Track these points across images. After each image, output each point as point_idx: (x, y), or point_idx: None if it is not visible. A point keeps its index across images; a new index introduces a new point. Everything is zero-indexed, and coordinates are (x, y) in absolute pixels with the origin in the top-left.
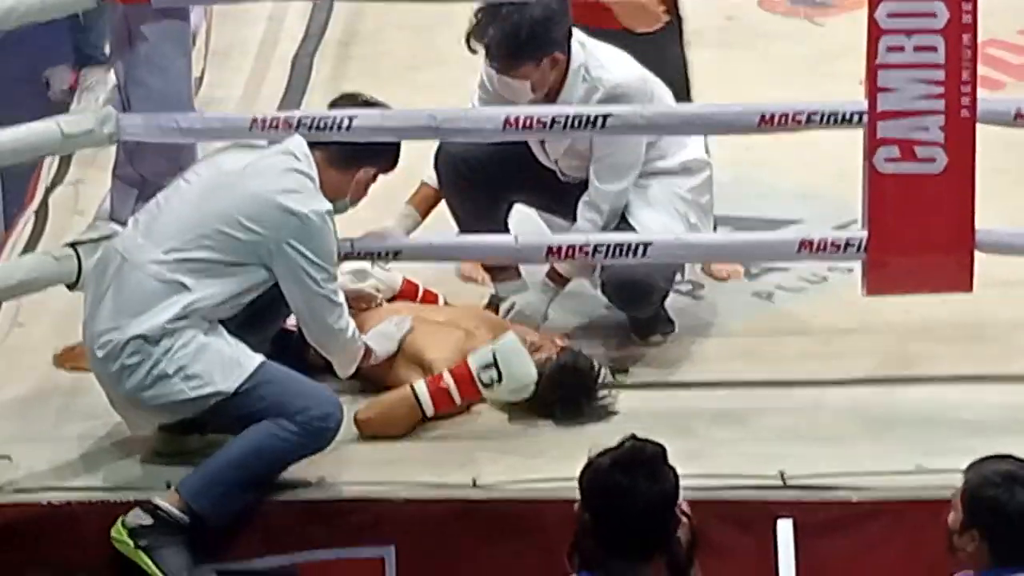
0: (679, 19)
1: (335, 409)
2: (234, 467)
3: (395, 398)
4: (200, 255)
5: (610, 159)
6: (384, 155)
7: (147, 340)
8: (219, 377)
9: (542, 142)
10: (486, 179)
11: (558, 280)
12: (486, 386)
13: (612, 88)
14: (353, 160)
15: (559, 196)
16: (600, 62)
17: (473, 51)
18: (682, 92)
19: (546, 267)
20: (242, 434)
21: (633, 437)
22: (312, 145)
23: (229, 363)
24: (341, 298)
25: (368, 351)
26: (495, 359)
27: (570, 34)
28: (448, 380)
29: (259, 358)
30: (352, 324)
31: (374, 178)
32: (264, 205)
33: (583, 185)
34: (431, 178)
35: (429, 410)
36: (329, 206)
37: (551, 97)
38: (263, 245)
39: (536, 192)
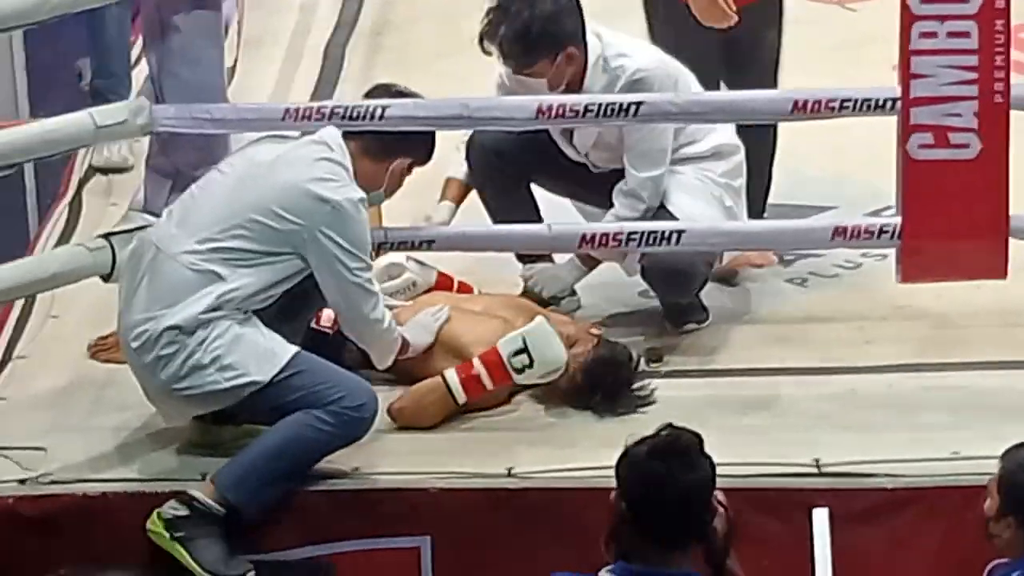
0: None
1: (369, 399)
2: (269, 458)
3: (427, 387)
4: (234, 244)
5: (642, 146)
6: (419, 146)
7: (182, 331)
8: (254, 367)
9: (570, 138)
10: (518, 170)
11: (588, 262)
12: (518, 371)
13: (633, 74)
14: (387, 151)
15: (590, 186)
16: (619, 51)
17: (487, 52)
18: (768, 74)
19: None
20: (276, 425)
21: (670, 426)
22: (347, 136)
23: (264, 354)
24: (376, 287)
25: (405, 343)
26: (525, 344)
27: (584, 27)
28: (479, 367)
29: (294, 349)
30: (388, 314)
31: (409, 170)
32: (297, 194)
33: (613, 174)
34: (457, 172)
35: (461, 398)
36: (362, 194)
37: (573, 91)
38: (297, 234)
39: (568, 182)
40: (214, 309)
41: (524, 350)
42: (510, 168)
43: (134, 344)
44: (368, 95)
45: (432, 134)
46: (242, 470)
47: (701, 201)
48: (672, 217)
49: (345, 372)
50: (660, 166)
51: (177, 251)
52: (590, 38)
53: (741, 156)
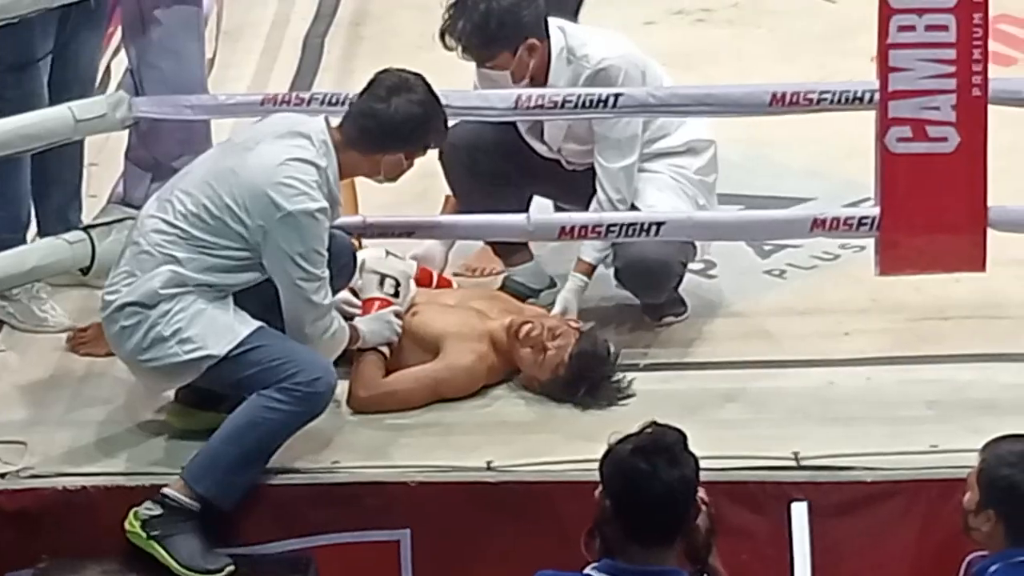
0: None
1: (324, 374)
2: (231, 444)
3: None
4: (196, 232)
5: (612, 135)
6: (405, 140)
7: (141, 305)
8: (211, 342)
9: (540, 134)
10: (491, 170)
11: (587, 271)
12: (394, 296)
13: (597, 64)
14: (377, 144)
15: (565, 184)
16: (582, 42)
17: (449, 48)
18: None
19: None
20: (235, 411)
21: (654, 423)
22: (340, 125)
23: (222, 329)
24: (320, 298)
25: (356, 335)
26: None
27: (545, 18)
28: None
29: (255, 324)
30: (332, 325)
31: (408, 159)
32: (255, 195)
33: (586, 173)
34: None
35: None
36: (322, 204)
37: (537, 83)
38: (252, 234)
39: (541, 182)
40: (176, 285)
41: (382, 277)
42: (482, 168)
43: (103, 314)
44: (374, 80)
45: (431, 126)
46: (208, 461)
47: (675, 199)
48: None
49: (303, 348)
50: (630, 154)
51: (148, 229)
52: (554, 31)
53: (714, 151)
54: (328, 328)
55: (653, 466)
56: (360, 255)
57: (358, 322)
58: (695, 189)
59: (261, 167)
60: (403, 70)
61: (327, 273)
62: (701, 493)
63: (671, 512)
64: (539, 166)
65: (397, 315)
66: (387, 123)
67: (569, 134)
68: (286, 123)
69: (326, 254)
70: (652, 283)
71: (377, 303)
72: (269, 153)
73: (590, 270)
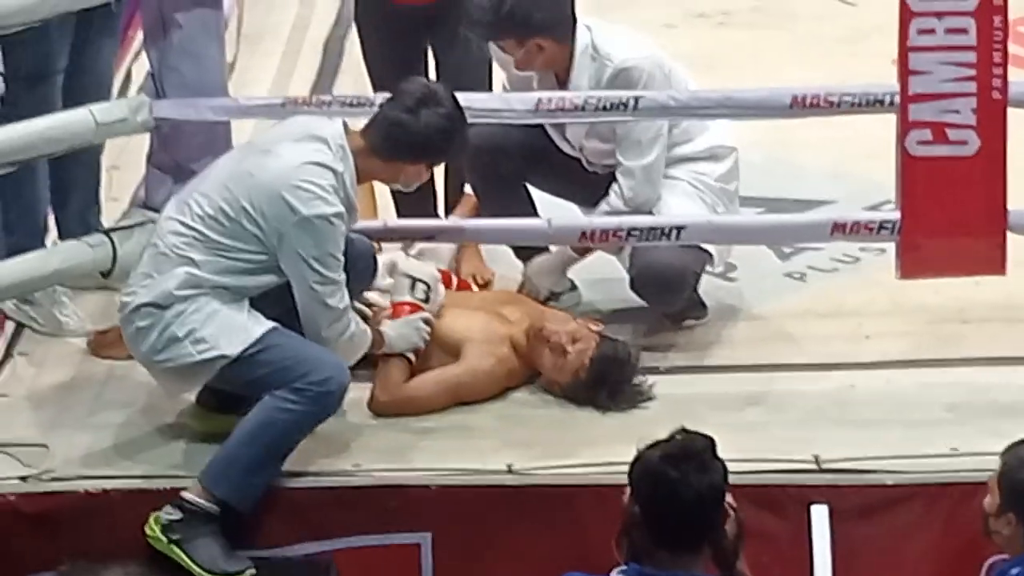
0: None
1: (336, 373)
2: (246, 446)
3: (380, 369)
4: (212, 235)
5: (633, 135)
6: (432, 153)
7: (156, 306)
8: (224, 342)
9: (563, 131)
10: (513, 168)
11: (580, 249)
12: (424, 300)
13: (620, 64)
14: (400, 153)
15: (584, 185)
16: (608, 40)
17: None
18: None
19: None
20: (249, 413)
21: (683, 429)
22: (364, 131)
23: (237, 329)
24: (336, 302)
25: (381, 339)
26: (411, 275)
27: (564, 21)
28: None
29: (269, 325)
30: (349, 328)
31: (428, 168)
32: (271, 197)
33: (606, 176)
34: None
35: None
36: (338, 208)
37: (559, 79)
38: (268, 236)
39: (562, 183)
40: (192, 287)
41: (414, 281)
42: (505, 166)
43: (119, 315)
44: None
45: (456, 139)
46: (224, 463)
47: (693, 209)
48: None
49: (316, 348)
50: (650, 154)
51: (165, 231)
52: (580, 29)
53: (736, 157)
54: (345, 331)
55: (683, 473)
56: (389, 257)
57: (385, 327)
58: (715, 197)
59: (277, 170)
60: (429, 80)
61: (343, 277)
62: (728, 498)
63: (700, 519)
64: (561, 166)
65: (426, 321)
66: (415, 135)
67: (591, 131)
68: (304, 127)
69: (342, 258)
70: (666, 292)
71: (407, 308)
72: (286, 156)
73: (585, 250)
